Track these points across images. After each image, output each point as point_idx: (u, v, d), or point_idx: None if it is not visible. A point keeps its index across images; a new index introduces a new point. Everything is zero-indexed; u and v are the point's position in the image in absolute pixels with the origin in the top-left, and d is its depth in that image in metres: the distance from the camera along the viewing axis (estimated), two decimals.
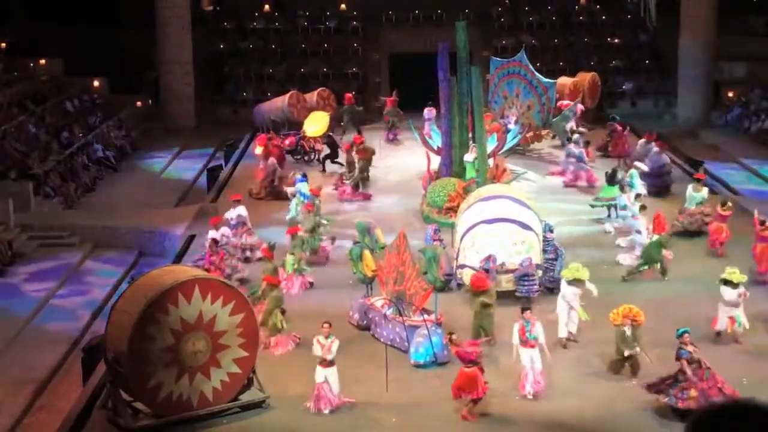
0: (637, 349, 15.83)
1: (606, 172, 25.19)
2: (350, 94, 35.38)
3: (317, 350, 14.97)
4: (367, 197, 26.94)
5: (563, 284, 17.37)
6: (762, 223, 20.20)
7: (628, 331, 15.73)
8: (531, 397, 15.25)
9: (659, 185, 26.53)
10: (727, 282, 17.17)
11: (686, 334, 14.73)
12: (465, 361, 14.61)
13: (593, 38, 42.44)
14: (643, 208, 21.74)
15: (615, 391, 15.61)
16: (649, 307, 17.02)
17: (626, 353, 15.85)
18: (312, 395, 14.92)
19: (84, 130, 33.29)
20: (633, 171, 24.82)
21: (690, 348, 14.60)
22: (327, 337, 14.99)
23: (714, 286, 17.56)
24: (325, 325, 15.19)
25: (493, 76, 32.60)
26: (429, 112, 31.82)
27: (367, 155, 27.64)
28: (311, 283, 20.27)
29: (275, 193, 27.06)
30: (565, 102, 32.41)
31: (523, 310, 15.78)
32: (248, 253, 21.79)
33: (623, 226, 22.67)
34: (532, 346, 15.35)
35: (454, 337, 15.10)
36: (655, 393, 14.77)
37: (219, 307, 14.77)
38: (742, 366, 16.19)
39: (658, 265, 20.11)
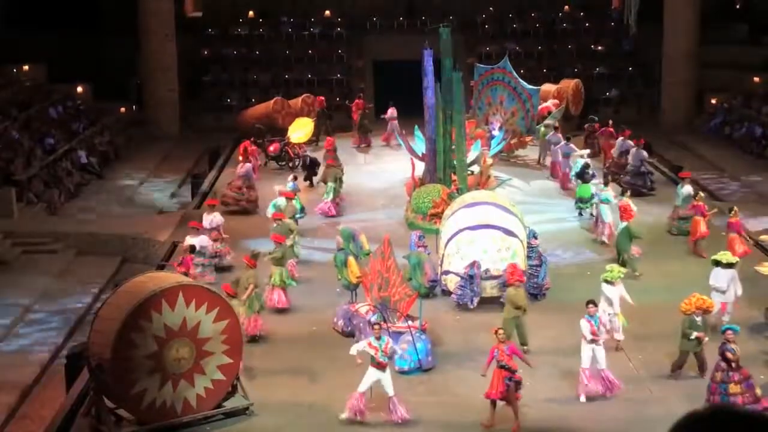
0: (705, 338, 15.79)
1: (576, 172, 25.70)
2: (322, 98, 35.33)
3: (369, 353, 14.65)
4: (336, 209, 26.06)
5: (607, 288, 17.00)
6: (731, 210, 20.88)
7: (698, 319, 15.77)
8: (584, 400, 15.25)
9: (640, 184, 26.81)
10: (718, 263, 17.40)
11: (730, 331, 14.80)
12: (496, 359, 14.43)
13: (577, 45, 42.61)
14: (624, 192, 22.70)
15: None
16: (634, 309, 17.10)
17: (695, 334, 15.69)
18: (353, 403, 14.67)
19: (67, 136, 33.18)
20: (577, 160, 26.33)
21: (734, 345, 14.61)
22: (378, 339, 14.75)
23: (698, 287, 17.64)
24: (376, 327, 15.06)
25: (477, 83, 32.70)
26: (392, 111, 32.11)
27: (334, 163, 27.26)
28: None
29: (239, 201, 26.52)
30: (547, 104, 32.54)
31: (588, 303, 15.58)
32: (216, 260, 21.46)
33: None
34: (596, 342, 15.29)
35: (501, 332, 14.76)
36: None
37: (203, 314, 14.73)
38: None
39: (624, 256, 20.28)
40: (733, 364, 14.51)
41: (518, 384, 14.38)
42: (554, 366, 16.64)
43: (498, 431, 14.49)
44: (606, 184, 23.81)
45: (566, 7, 44.34)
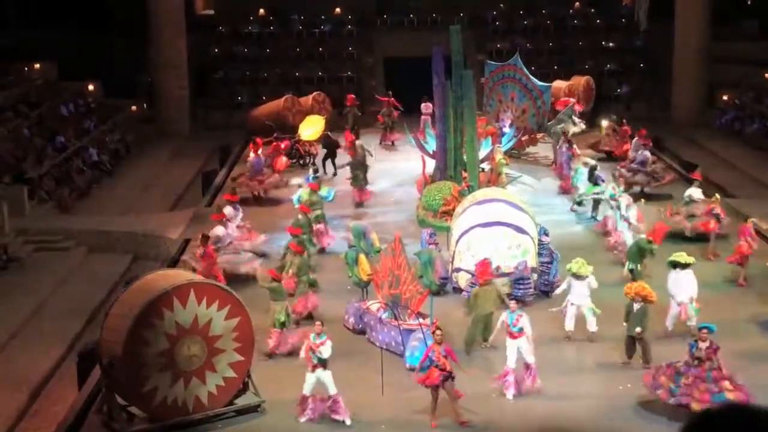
0: (638, 330, 16.04)
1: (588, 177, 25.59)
2: (352, 96, 35.30)
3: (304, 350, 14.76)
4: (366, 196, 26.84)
5: (572, 281, 17.47)
6: (746, 219, 20.87)
7: (636, 306, 16.00)
8: (512, 398, 15.31)
9: (642, 183, 26.68)
10: (676, 265, 17.31)
11: (704, 330, 14.74)
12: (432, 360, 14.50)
13: (587, 42, 42.52)
14: (637, 199, 22.27)
15: (605, 390, 15.65)
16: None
17: (628, 332, 16.05)
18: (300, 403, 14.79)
19: (78, 134, 33.25)
20: (579, 167, 26.00)
21: (702, 344, 14.55)
22: (319, 335, 14.78)
23: (708, 287, 17.63)
24: (317, 323, 15.10)
25: (488, 80, 32.66)
26: (425, 107, 32.09)
27: (355, 153, 27.47)
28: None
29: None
30: (562, 99, 32.42)
31: (511, 299, 16.06)
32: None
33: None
34: (516, 338, 15.44)
35: (438, 333, 14.69)
36: (652, 387, 14.74)
37: (214, 311, 14.76)
38: (737, 369, 16.19)
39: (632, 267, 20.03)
40: (695, 361, 14.52)
41: (452, 379, 14.43)
42: (564, 362, 16.67)
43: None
44: (626, 189, 23.43)
45: (577, 3, 44.26)
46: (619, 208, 22.02)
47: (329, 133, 31.10)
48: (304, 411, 14.74)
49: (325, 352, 14.66)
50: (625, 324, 16.32)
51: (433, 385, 14.40)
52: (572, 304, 17.42)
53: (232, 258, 20.83)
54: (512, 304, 15.97)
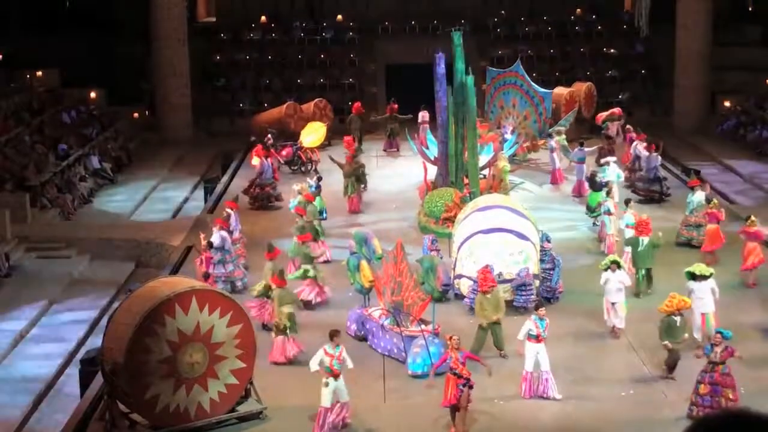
0: (686, 335, 16.09)
1: (586, 178, 25.50)
2: (358, 103, 35.28)
3: (324, 361, 14.57)
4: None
5: (609, 274, 17.56)
6: (747, 218, 20.56)
7: (678, 320, 15.94)
8: (528, 398, 15.42)
9: (653, 191, 26.59)
10: (694, 276, 17.27)
11: (718, 334, 14.80)
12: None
13: (589, 48, 42.55)
14: (627, 202, 22.28)
15: (608, 396, 15.65)
16: (640, 316, 17.10)
17: (672, 347, 15.95)
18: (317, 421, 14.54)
19: (81, 141, 33.30)
20: (604, 167, 26.07)
21: (717, 348, 14.61)
22: (335, 347, 14.65)
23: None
24: (335, 333, 14.91)
25: (490, 86, 32.69)
26: (423, 115, 32.04)
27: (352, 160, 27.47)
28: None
29: (262, 200, 27.20)
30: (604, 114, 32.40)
31: (537, 307, 16.00)
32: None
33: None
34: (541, 342, 15.53)
35: (455, 339, 14.64)
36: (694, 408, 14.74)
37: (216, 318, 14.76)
38: (739, 375, 16.17)
39: (641, 275, 19.84)
40: (709, 366, 14.60)
41: (471, 387, 14.37)
42: (568, 368, 16.63)
43: None
44: (608, 193, 23.36)
45: (578, 9, 44.30)
46: (609, 212, 22.28)
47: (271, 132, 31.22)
48: (325, 425, 14.46)
49: (349, 361, 14.67)
50: (667, 341, 15.96)
51: (457, 402, 14.34)
52: (612, 303, 17.53)
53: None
54: (542, 310, 15.87)
